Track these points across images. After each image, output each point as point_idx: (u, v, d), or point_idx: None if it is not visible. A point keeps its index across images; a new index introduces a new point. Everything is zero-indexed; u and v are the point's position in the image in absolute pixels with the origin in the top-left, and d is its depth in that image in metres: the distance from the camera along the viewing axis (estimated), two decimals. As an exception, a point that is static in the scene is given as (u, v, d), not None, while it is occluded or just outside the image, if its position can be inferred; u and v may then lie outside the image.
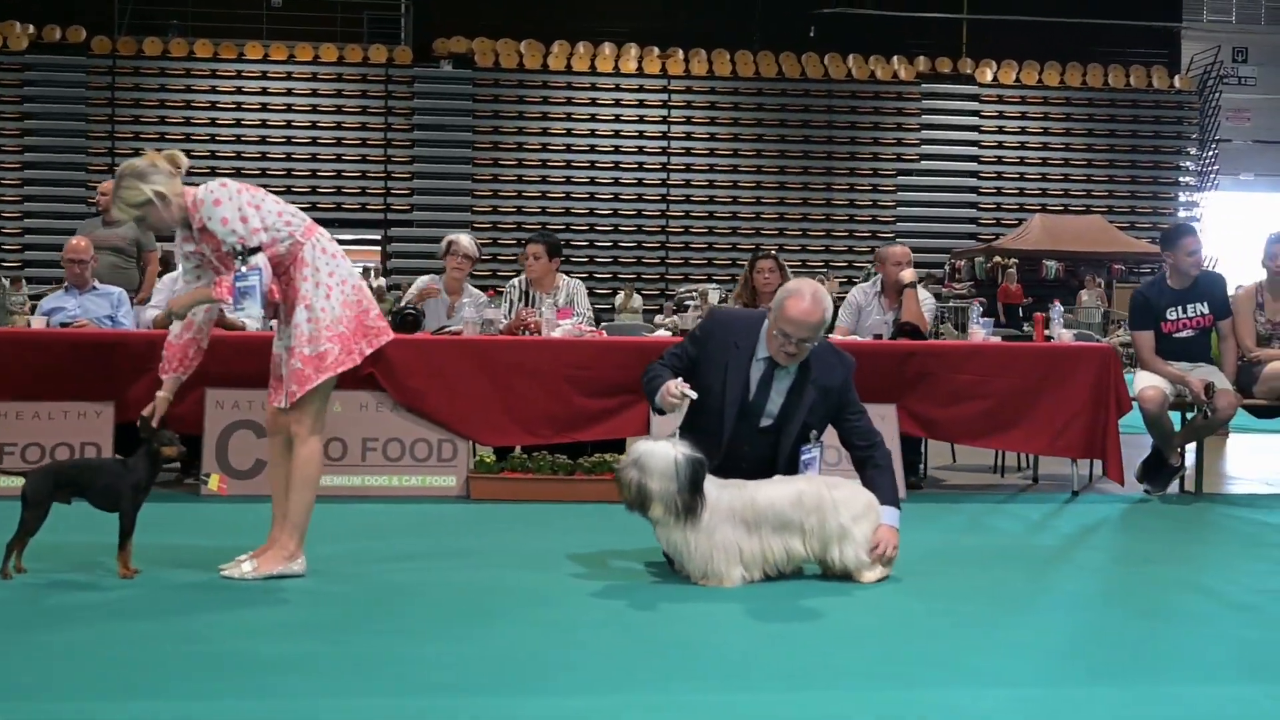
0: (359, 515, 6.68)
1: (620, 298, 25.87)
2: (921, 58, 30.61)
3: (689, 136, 29.46)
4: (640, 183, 29.18)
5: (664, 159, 29.29)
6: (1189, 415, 8.11)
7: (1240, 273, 30.03)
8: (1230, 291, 8.36)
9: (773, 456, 5.41)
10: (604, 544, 5.85)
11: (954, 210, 30.35)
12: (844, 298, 9.01)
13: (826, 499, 5.23)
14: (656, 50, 29.66)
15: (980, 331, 8.35)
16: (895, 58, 30.36)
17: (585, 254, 28.43)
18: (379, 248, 29.07)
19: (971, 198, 30.36)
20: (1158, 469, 8.04)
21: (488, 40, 28.96)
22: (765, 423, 5.41)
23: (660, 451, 5.08)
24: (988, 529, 6.80)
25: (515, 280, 8.49)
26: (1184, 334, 8.02)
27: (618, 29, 29.73)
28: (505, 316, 8.28)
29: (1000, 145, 30.55)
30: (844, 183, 29.95)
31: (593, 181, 29.06)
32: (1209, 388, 7.73)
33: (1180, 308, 8.08)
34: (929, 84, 30.35)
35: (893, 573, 5.28)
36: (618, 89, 29.37)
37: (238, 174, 27.48)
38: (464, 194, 28.57)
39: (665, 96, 29.51)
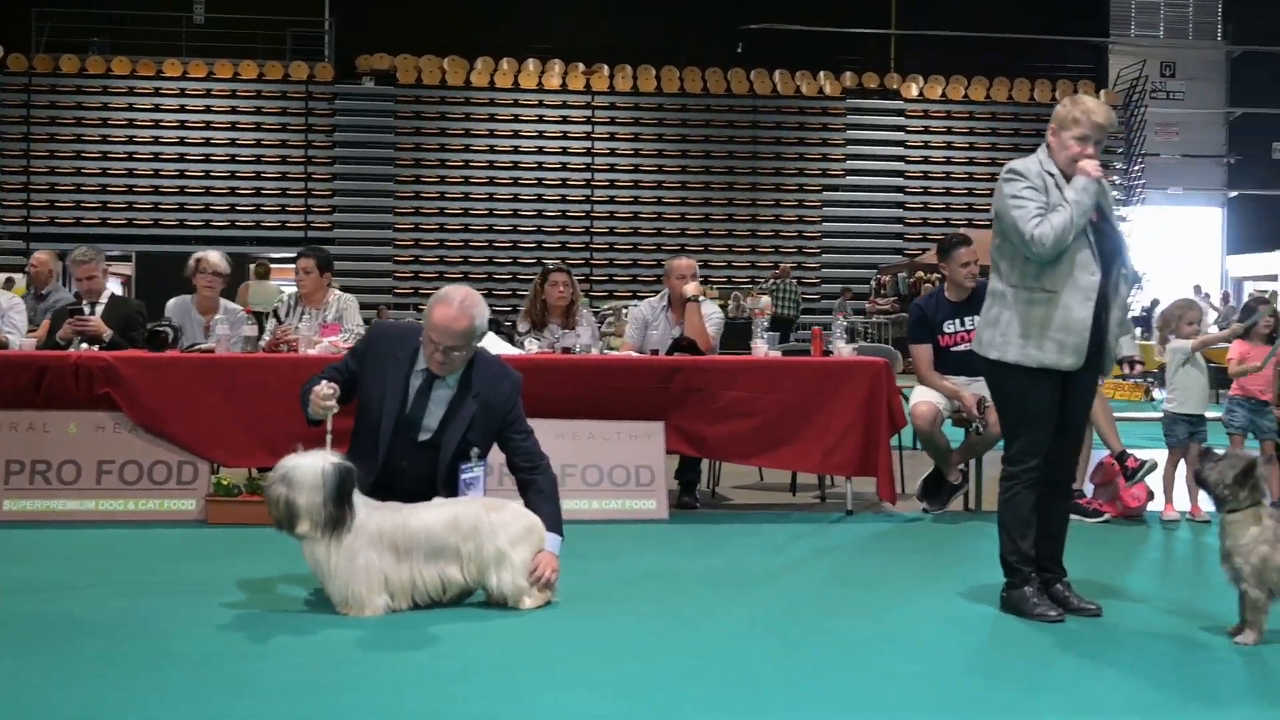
0: (79, 540, 6.49)
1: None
2: (849, 73, 30.53)
3: (613, 153, 29.30)
4: (564, 199, 29.00)
5: (588, 175, 29.11)
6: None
7: (1167, 285, 30.11)
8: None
9: (433, 474, 5.23)
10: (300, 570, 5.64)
11: (880, 226, 30.23)
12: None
13: (484, 522, 5.06)
14: (581, 66, 29.51)
15: (762, 346, 8.19)
16: (822, 73, 30.27)
17: (509, 270, 28.22)
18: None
19: (898, 213, 30.25)
20: (938, 487, 7.89)
21: (410, 57, 28.76)
22: (424, 436, 5.24)
23: (307, 464, 4.92)
24: (716, 551, 6.61)
25: (286, 294, 8.32)
26: (961, 348, 7.83)
27: (542, 45, 29.58)
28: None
29: (926, 160, 30.46)
30: (769, 199, 29.81)
31: (516, 199, 28.87)
32: (980, 403, 7.58)
33: (957, 320, 7.94)
34: (855, 99, 30.25)
35: (557, 598, 5.11)
36: (541, 105, 29.18)
37: (155, 191, 27.33)
38: (385, 211, 28.34)
39: (589, 113, 29.34)
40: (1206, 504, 7.62)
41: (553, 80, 29.28)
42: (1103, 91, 31.24)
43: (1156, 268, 31.81)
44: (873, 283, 29.41)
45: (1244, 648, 4.63)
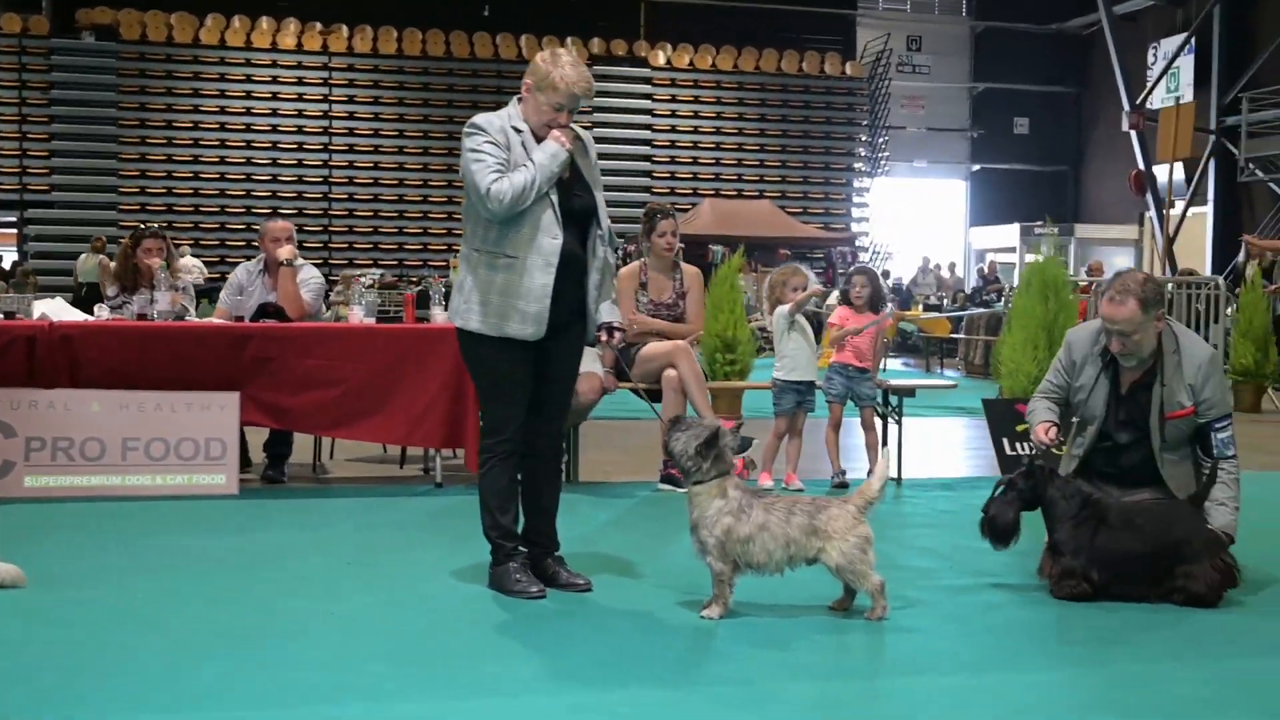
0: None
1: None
2: (597, 39, 30.26)
3: (352, 116, 28.47)
4: (300, 164, 28.10)
5: (325, 139, 28.25)
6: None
7: (909, 258, 30.73)
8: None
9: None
10: None
11: (627, 194, 30.02)
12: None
13: None
14: (319, 26, 28.59)
15: (359, 313, 7.78)
16: (569, 39, 29.89)
17: (241, 238, 27.23)
18: (15, 230, 27.35)
19: (645, 181, 30.14)
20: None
21: (135, 11, 27.44)
22: None
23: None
24: (258, 528, 6.18)
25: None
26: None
27: (277, 3, 28.60)
28: None
29: (674, 129, 30.40)
30: (516, 165, 29.39)
31: (249, 162, 27.87)
32: (570, 371, 7.31)
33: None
34: (603, 66, 29.97)
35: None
36: (275, 65, 28.17)
37: None
38: (109, 174, 27.01)
39: (326, 74, 28.46)
40: (804, 473, 7.55)
41: (288, 40, 28.31)
42: (849, 63, 31.59)
43: (902, 239, 32.47)
44: (619, 251, 29.24)
45: (710, 621, 4.41)
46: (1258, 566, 5.27)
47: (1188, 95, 30.47)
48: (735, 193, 30.35)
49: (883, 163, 31.73)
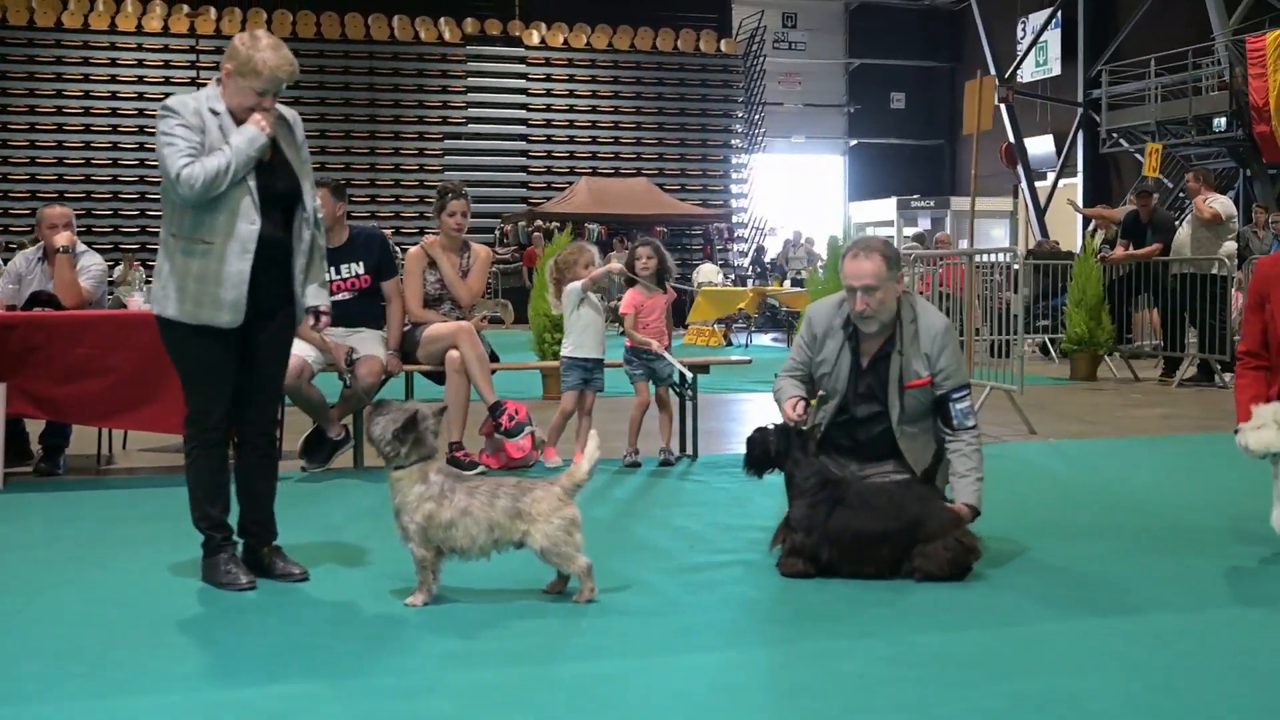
0: None
1: (121, 269, 24.20)
2: (470, 19, 30.03)
3: (219, 99, 28.03)
4: (169, 148, 27.62)
5: (194, 123, 27.78)
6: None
7: (791, 231, 30.82)
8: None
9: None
10: None
11: (504, 174, 29.95)
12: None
13: None
14: (185, 9, 28.13)
15: (138, 299, 7.61)
16: (442, 19, 29.67)
17: (109, 224, 26.75)
18: None
19: (521, 161, 30.00)
20: (319, 444, 7.48)
21: (-6, -5, 26.89)
22: None
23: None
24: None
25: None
26: (341, 296, 7.40)
27: (144, -15, 28.12)
28: None
29: (549, 109, 30.29)
30: (388, 147, 29.15)
31: (115, 147, 27.40)
32: (349, 354, 7.21)
33: (334, 268, 7.50)
34: (476, 46, 29.78)
35: None
36: (140, 49, 27.70)
37: None
38: (-31, 158, 26.46)
39: (194, 57, 28.03)
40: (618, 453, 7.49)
41: (153, 23, 27.83)
42: (724, 40, 31.63)
43: (782, 215, 32.61)
44: (496, 232, 29.14)
45: (412, 609, 4.34)
46: (1015, 537, 5.33)
47: (1056, 69, 30.92)
48: (613, 171, 30.31)
49: (760, 139, 31.85)
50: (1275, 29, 21.67)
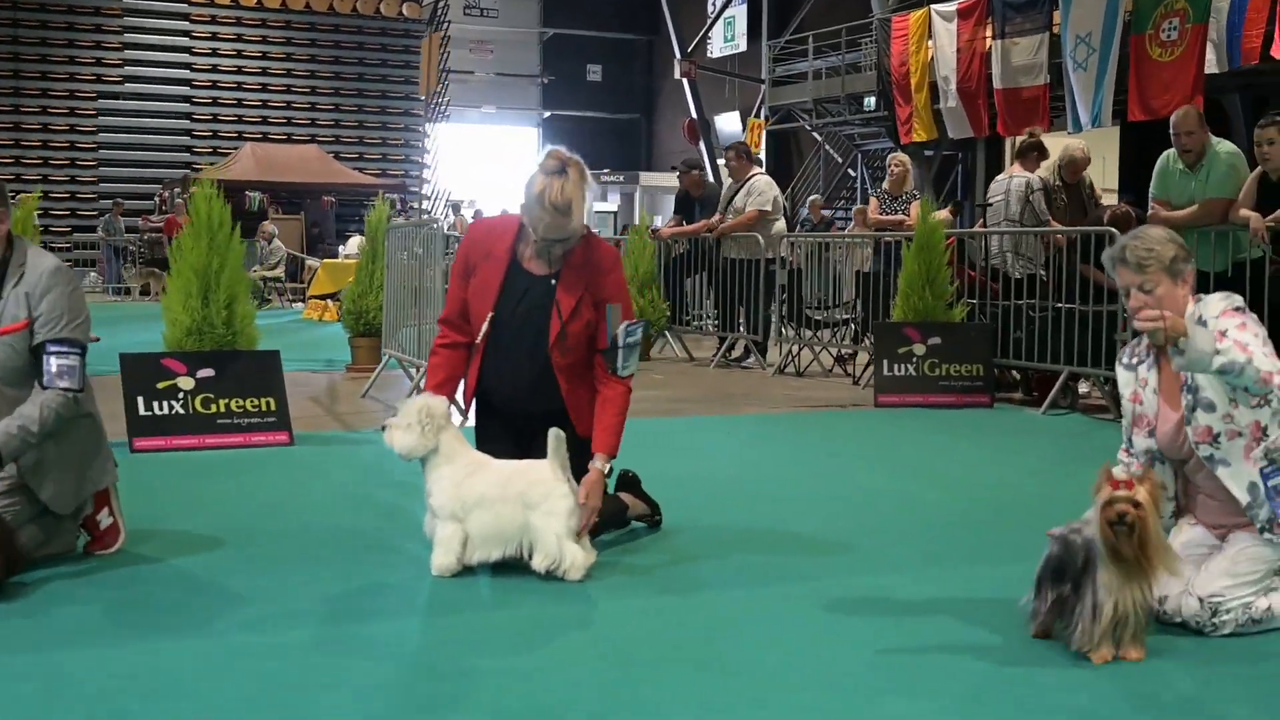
0: None
1: None
2: (128, -28, 28.44)
3: None
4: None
5: None
6: None
7: (490, 206, 30.04)
8: None
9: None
10: None
11: (165, 138, 28.44)
12: None
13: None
14: None
15: None
16: (97, -28, 28.00)
17: None
18: None
19: (185, 124, 28.55)
20: None
21: None
22: None
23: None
24: None
25: None
26: None
27: None
28: None
29: (215, 69, 28.87)
30: (35, 105, 27.35)
31: None
32: None
33: None
34: (134, 1, 28.18)
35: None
36: None
37: None
38: None
39: None
40: None
41: None
42: (406, 4, 30.62)
43: (473, 187, 31.82)
44: (156, 199, 27.67)
45: None
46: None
47: (743, 45, 30.81)
48: (285, 137, 29.08)
49: (445, 108, 30.95)
50: (919, 9, 21.66)
